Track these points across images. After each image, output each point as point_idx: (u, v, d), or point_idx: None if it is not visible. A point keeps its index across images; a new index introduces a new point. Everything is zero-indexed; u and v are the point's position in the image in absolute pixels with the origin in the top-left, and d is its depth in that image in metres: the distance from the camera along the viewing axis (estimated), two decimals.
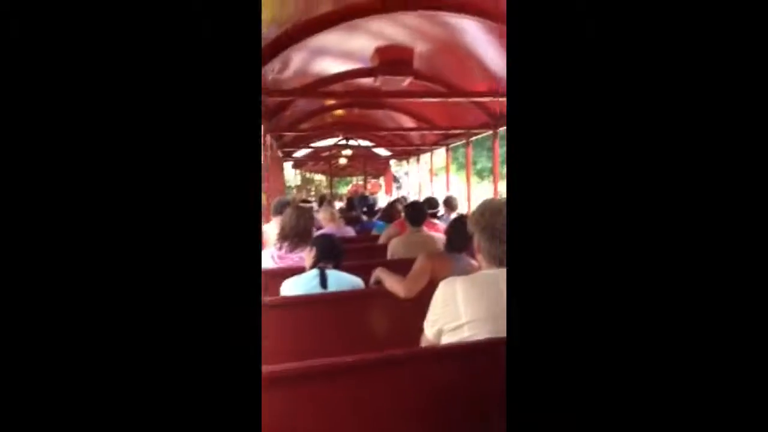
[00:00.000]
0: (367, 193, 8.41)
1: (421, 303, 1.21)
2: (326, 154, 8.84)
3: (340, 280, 1.72)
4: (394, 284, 1.67)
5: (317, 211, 5.63)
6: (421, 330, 1.18)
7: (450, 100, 4.04)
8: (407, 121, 5.79)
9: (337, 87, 4.06)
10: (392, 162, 10.64)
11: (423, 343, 1.18)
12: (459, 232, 1.85)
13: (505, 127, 4.33)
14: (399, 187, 12.85)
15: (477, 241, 1.15)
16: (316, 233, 2.33)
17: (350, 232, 3.50)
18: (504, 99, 3.67)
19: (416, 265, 1.71)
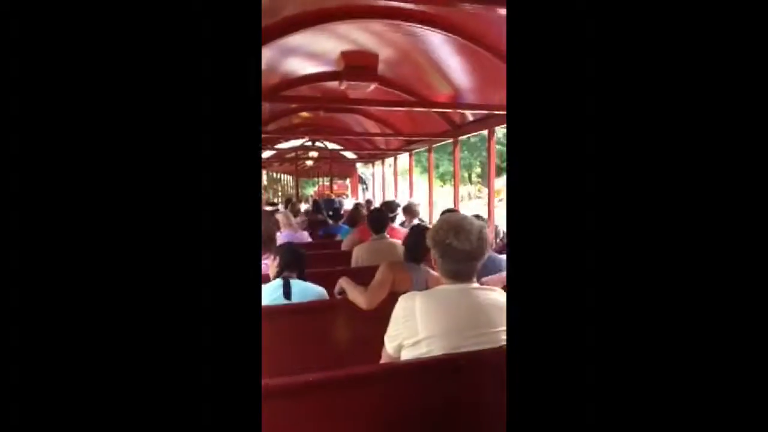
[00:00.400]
0: (333, 196, 8.39)
1: (385, 314, 1.23)
2: (292, 155, 8.76)
3: (304, 290, 1.75)
4: (356, 295, 1.70)
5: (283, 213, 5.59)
6: (383, 343, 1.23)
7: (414, 109, 4.13)
8: (372, 125, 5.85)
9: (303, 89, 4.06)
10: (358, 164, 10.67)
11: (383, 357, 1.22)
12: (416, 243, 1.91)
13: (464, 137, 4.46)
14: (365, 189, 12.87)
15: (433, 256, 1.21)
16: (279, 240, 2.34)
17: (306, 237, 3.50)
18: (463, 111, 3.80)
19: (377, 277, 1.75)
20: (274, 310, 1.65)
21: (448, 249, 1.14)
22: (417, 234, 1.94)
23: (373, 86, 3.50)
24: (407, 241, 1.96)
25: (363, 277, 1.84)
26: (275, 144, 7.45)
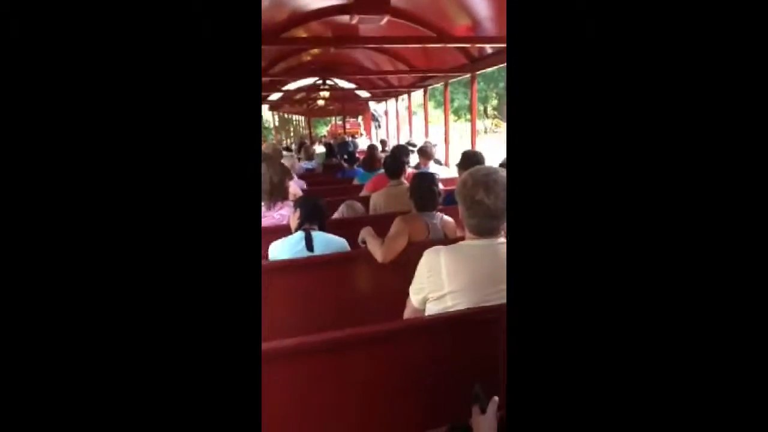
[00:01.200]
0: (347, 137, 8.26)
1: (409, 264, 1.25)
2: (302, 95, 8.54)
3: (327, 242, 1.77)
4: (375, 248, 1.71)
5: (299, 157, 5.55)
6: (406, 294, 1.25)
7: (429, 46, 3.91)
8: (385, 61, 5.60)
9: (312, 25, 3.86)
10: (371, 102, 10.38)
11: (408, 309, 1.25)
12: (421, 192, 1.87)
13: (482, 71, 4.24)
14: (378, 127, 12.63)
15: (460, 210, 1.19)
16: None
17: (301, 186, 3.28)
18: (481, 45, 3.57)
19: (391, 231, 1.75)
20: (297, 263, 1.68)
21: (475, 204, 1.12)
22: (420, 182, 1.90)
23: (385, 19, 3.29)
24: (411, 192, 1.92)
25: (382, 225, 1.84)
26: (284, 85, 7.25)
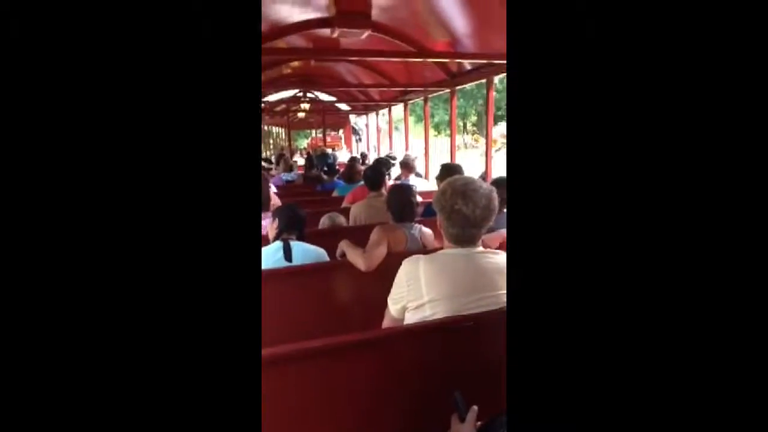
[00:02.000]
0: (327, 150, 8.27)
1: (387, 274, 1.25)
2: (283, 107, 8.53)
3: (305, 252, 1.75)
4: (356, 258, 1.70)
5: (276, 169, 5.50)
6: (385, 304, 1.24)
7: (409, 60, 3.97)
8: (365, 74, 5.65)
9: (293, 38, 3.87)
10: (351, 115, 10.44)
11: (386, 318, 1.24)
12: (398, 203, 1.90)
13: (462, 86, 4.32)
14: (359, 140, 12.67)
15: (439, 219, 1.20)
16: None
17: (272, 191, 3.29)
18: (460, 61, 3.64)
19: (371, 239, 1.75)
20: (275, 273, 1.66)
21: (453, 213, 1.13)
22: (397, 194, 1.93)
23: (366, 33, 3.33)
24: (388, 203, 1.94)
25: (362, 236, 1.84)
26: (264, 96, 7.23)
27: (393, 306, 1.19)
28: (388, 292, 1.22)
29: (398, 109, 7.04)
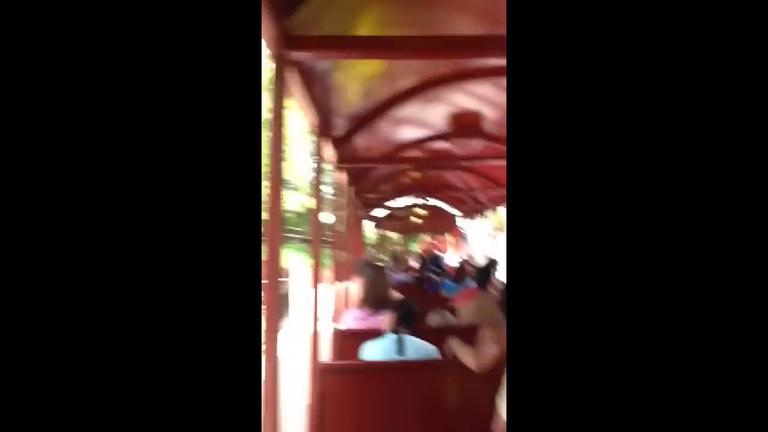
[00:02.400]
0: (438, 252, 8.48)
1: (496, 375, 1.25)
2: (401, 213, 9.15)
3: (418, 348, 1.81)
4: (467, 357, 1.69)
5: (392, 267, 5.77)
6: (494, 406, 1.22)
7: None
8: (474, 182, 5.90)
9: (414, 152, 4.30)
10: (459, 218, 10.69)
11: (498, 421, 1.21)
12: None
13: None
14: (466, 242, 12.72)
15: None
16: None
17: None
18: None
19: (485, 337, 1.72)
20: (388, 365, 1.73)
21: None
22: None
23: (479, 143, 3.59)
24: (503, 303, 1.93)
25: (470, 335, 1.84)
26: (387, 202, 7.84)
27: (503, 406, 1.18)
28: (498, 394, 1.21)
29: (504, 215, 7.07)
